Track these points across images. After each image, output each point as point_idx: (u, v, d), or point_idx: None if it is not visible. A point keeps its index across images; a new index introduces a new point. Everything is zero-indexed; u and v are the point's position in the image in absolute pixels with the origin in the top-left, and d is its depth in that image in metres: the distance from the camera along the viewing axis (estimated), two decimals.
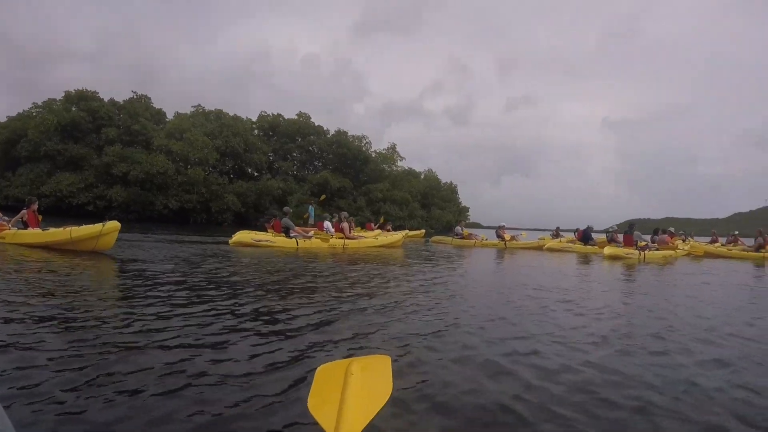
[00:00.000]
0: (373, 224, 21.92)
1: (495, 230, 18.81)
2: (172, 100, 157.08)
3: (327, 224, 13.47)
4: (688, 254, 16.33)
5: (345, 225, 13.37)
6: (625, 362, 2.94)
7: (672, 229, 17.77)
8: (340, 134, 39.86)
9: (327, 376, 1.48)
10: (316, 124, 40.47)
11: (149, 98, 34.61)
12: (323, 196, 21.99)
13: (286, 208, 13.31)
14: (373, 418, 1.29)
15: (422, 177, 48.90)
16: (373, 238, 14.76)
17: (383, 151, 45.20)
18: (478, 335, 3.46)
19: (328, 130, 40.79)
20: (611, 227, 16.56)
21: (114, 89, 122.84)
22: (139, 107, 32.74)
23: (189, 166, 30.88)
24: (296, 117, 40.00)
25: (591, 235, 16.99)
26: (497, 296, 5.63)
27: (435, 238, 20.35)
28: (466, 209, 52.98)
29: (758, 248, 16.16)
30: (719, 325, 4.29)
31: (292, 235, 11.91)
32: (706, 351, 3.32)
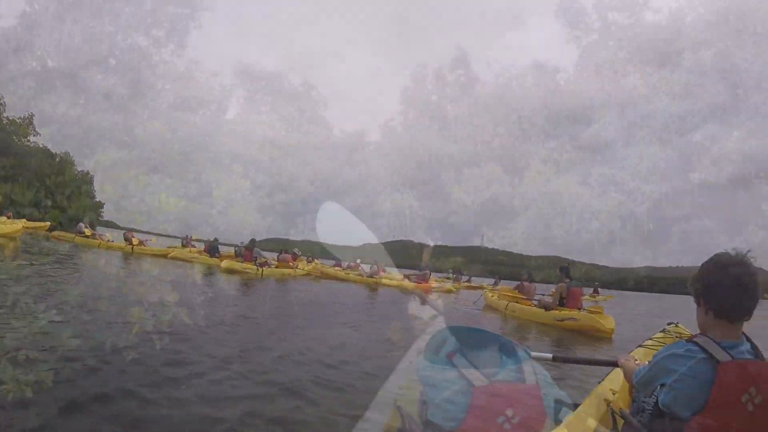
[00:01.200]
0: None
1: (123, 233, 18.68)
2: None
3: None
4: (308, 274, 17.65)
5: None
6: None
7: (297, 250, 19.56)
8: None
9: None
10: None
11: None
12: None
13: None
14: None
15: (57, 160, 42.66)
16: None
17: (18, 120, 38.72)
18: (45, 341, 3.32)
19: None
20: (240, 242, 17.95)
21: None
22: None
23: None
24: None
25: (218, 248, 17.66)
26: (76, 303, 5.11)
27: (56, 233, 19.36)
28: (101, 205, 48.16)
29: (371, 275, 17.81)
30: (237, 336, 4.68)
31: None
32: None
